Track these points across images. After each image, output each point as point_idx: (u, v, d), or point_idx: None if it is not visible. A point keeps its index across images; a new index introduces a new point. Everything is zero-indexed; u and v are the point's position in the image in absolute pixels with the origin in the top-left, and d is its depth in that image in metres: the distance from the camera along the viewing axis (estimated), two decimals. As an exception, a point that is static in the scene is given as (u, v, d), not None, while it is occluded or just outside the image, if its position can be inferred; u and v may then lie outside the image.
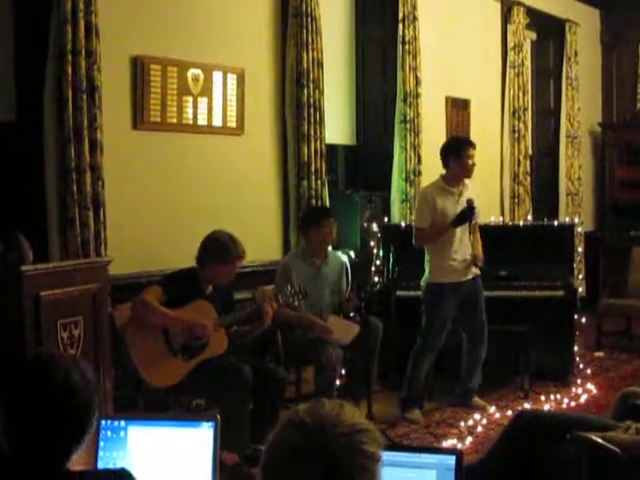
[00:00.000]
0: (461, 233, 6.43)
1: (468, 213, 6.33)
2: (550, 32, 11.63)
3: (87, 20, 5.61)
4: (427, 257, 6.55)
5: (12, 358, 2.20)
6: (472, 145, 6.60)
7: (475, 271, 6.60)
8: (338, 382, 6.36)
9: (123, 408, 5.22)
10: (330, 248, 6.82)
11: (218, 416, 2.37)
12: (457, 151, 6.52)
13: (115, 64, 6.05)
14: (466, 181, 6.61)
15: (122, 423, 2.42)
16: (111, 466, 2.39)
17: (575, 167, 11.55)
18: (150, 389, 5.29)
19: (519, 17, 10.32)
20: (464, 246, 6.47)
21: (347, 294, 6.67)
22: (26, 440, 2.06)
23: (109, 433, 2.41)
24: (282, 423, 1.76)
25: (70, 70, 5.53)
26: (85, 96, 5.61)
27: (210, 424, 2.37)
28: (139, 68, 6.25)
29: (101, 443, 2.41)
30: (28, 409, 2.07)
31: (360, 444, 1.72)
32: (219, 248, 5.54)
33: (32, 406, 2.07)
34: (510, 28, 10.25)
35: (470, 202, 6.35)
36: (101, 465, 2.37)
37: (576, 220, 9.67)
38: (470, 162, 6.49)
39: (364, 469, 1.70)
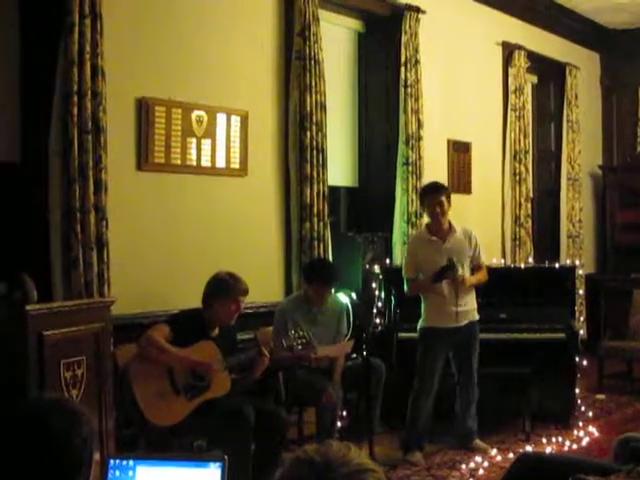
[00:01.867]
0: (452, 281, 6.43)
1: (449, 269, 6.33)
2: (551, 75, 11.73)
3: (93, 62, 5.68)
4: (422, 302, 6.57)
5: (9, 406, 2.15)
6: (436, 192, 6.53)
7: (473, 316, 6.60)
8: (339, 423, 6.35)
9: (125, 448, 5.20)
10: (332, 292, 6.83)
11: (226, 457, 2.37)
12: (422, 199, 6.62)
13: (120, 105, 6.11)
14: (455, 225, 6.61)
15: (130, 463, 2.42)
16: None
17: (576, 209, 11.59)
18: (152, 429, 5.29)
19: (520, 61, 10.41)
20: (456, 290, 6.44)
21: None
22: None
23: (117, 473, 2.41)
24: (290, 461, 1.78)
25: (76, 111, 5.59)
26: (90, 137, 5.66)
27: (217, 464, 2.38)
28: (144, 110, 6.31)
29: (109, 482, 2.42)
30: (16, 463, 2.02)
31: None
32: (221, 286, 5.59)
33: (21, 460, 2.02)
34: (511, 71, 10.34)
35: (450, 260, 6.34)
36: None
37: (577, 262, 9.70)
38: (437, 210, 6.43)
39: None
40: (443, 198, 6.48)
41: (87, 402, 4.71)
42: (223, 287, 5.59)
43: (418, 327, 6.59)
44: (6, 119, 5.67)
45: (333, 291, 6.74)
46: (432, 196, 6.50)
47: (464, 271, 6.45)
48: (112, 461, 2.43)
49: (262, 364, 5.62)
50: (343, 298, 6.86)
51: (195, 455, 3.50)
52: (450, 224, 6.56)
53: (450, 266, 6.33)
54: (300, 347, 5.92)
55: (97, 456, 2.18)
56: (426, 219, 8.08)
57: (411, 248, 6.66)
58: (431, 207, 6.48)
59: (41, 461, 2.02)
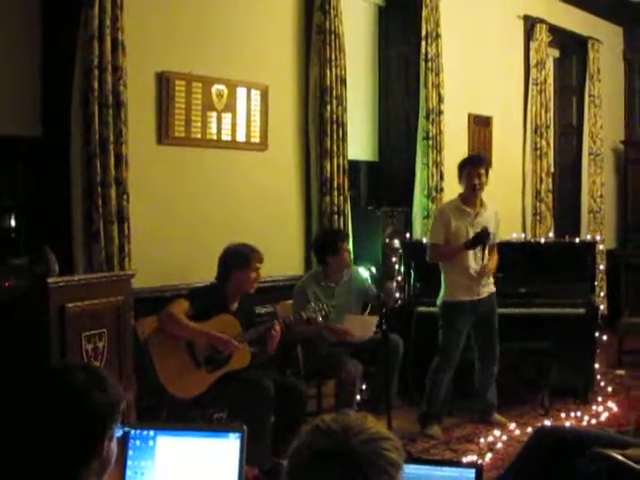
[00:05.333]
0: (475, 253, 6.44)
1: (483, 238, 6.33)
2: (573, 49, 11.65)
3: (114, 36, 5.68)
4: (442, 275, 6.57)
5: (34, 368, 2.16)
6: (476, 164, 6.55)
7: (491, 288, 6.61)
8: (358, 397, 6.38)
9: (146, 420, 5.25)
10: (352, 265, 6.84)
11: (245, 427, 2.40)
12: (461, 170, 6.56)
13: (141, 80, 6.11)
14: (485, 201, 6.61)
15: (151, 433, 2.45)
16: (139, 476, 2.41)
17: (597, 184, 11.54)
18: (173, 401, 5.33)
19: (542, 35, 10.34)
20: (478, 264, 6.46)
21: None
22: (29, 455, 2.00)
23: (138, 442, 2.44)
24: (308, 429, 1.81)
25: (97, 85, 5.60)
26: (111, 111, 5.67)
27: (237, 435, 2.41)
28: (164, 84, 6.31)
29: (130, 452, 2.45)
30: (36, 414, 2.01)
31: (383, 450, 1.78)
32: (237, 256, 5.64)
33: (40, 412, 2.01)
34: (533, 45, 10.27)
35: (485, 229, 6.35)
36: (130, 474, 2.41)
37: (598, 237, 9.67)
38: (475, 181, 6.45)
39: (387, 474, 1.76)
40: (482, 171, 6.49)
41: (108, 374, 4.75)
42: (240, 257, 5.63)
43: (439, 302, 6.59)
44: (28, 94, 5.69)
45: (353, 266, 6.76)
46: (472, 167, 6.50)
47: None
48: (133, 431, 2.47)
49: (273, 339, 5.64)
50: (363, 272, 6.89)
51: (215, 426, 3.54)
52: (481, 199, 6.58)
53: (484, 235, 6.31)
54: (320, 319, 5.97)
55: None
56: (447, 194, 8.10)
57: (443, 214, 6.60)
58: (470, 178, 6.46)
59: (60, 413, 2.01)
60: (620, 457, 3.79)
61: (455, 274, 6.50)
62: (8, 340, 4.60)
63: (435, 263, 6.59)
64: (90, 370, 2.13)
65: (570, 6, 11.13)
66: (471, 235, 6.38)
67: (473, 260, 6.45)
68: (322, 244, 6.67)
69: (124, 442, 2.44)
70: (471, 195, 6.51)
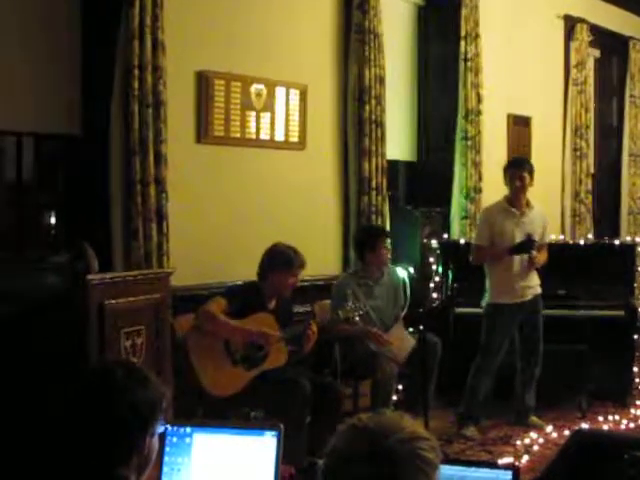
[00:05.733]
0: (521, 258, 6.42)
1: (527, 245, 6.33)
2: (614, 49, 11.56)
3: (154, 36, 5.71)
4: (487, 276, 6.55)
5: (76, 367, 2.18)
6: (519, 167, 6.58)
7: (537, 290, 6.58)
8: (395, 397, 6.38)
9: (183, 417, 5.27)
10: (389, 265, 6.83)
11: (282, 425, 2.41)
12: (505, 172, 6.59)
13: (180, 79, 6.15)
14: (532, 203, 6.60)
15: (188, 430, 2.47)
16: (175, 472, 2.43)
17: (637, 186, 11.46)
18: (210, 398, 5.35)
19: (582, 34, 10.27)
20: (524, 268, 6.44)
21: None
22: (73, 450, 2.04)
23: (175, 439, 2.46)
24: (344, 428, 1.81)
25: (136, 85, 5.63)
26: (151, 110, 5.70)
27: (274, 433, 2.42)
28: (203, 83, 6.34)
29: (167, 449, 2.47)
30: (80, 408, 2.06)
31: (420, 450, 1.78)
32: (280, 257, 5.62)
33: (84, 406, 2.06)
34: (573, 45, 10.21)
35: (530, 236, 6.35)
36: (166, 471, 2.43)
37: (637, 239, 9.57)
38: (518, 183, 6.47)
39: (423, 473, 1.76)
40: (525, 173, 6.51)
41: (146, 371, 4.78)
42: (282, 259, 5.62)
43: (484, 303, 6.58)
44: (68, 93, 5.74)
45: (390, 265, 6.75)
46: (514, 170, 6.53)
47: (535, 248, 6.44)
48: (170, 428, 2.48)
49: (309, 339, 5.64)
50: (401, 272, 6.86)
51: (251, 424, 3.55)
52: (528, 201, 6.57)
53: (529, 242, 6.32)
54: (357, 319, 5.96)
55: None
56: (486, 194, 8.08)
57: (488, 216, 6.62)
58: (512, 181, 6.49)
59: (103, 409, 2.05)
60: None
61: (500, 276, 6.48)
62: (49, 337, 4.65)
63: (477, 265, 6.58)
64: (131, 368, 2.16)
65: (611, 5, 11.05)
66: (517, 235, 6.38)
67: (519, 264, 6.43)
68: (361, 240, 6.67)
69: (162, 439, 2.45)
70: (515, 196, 6.52)
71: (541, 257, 6.56)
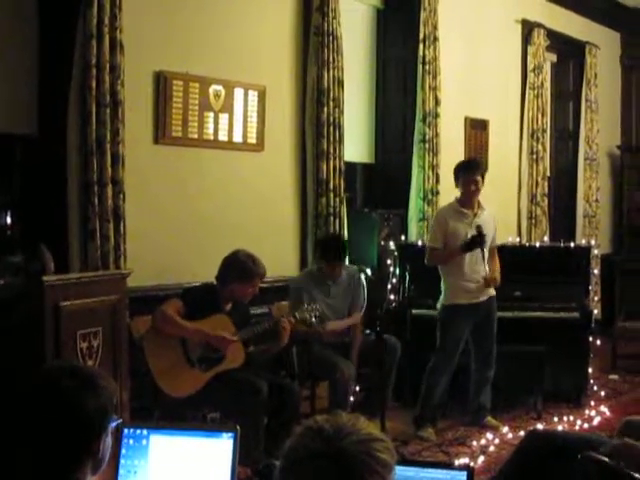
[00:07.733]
0: (473, 255, 6.45)
1: (478, 239, 6.35)
2: (570, 54, 11.66)
3: (112, 36, 5.69)
4: (442, 278, 6.59)
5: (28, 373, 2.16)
6: (473, 170, 6.58)
7: (491, 292, 6.62)
8: (352, 398, 6.39)
9: (139, 419, 5.25)
10: (347, 265, 6.85)
11: (238, 427, 2.41)
12: (457, 174, 6.60)
13: (138, 79, 6.12)
14: (483, 204, 6.63)
15: (144, 432, 2.46)
16: (132, 475, 2.42)
17: (593, 189, 11.56)
18: (167, 400, 5.34)
19: (539, 39, 10.35)
20: (478, 268, 6.47)
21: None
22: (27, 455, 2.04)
23: (131, 441, 2.45)
24: (300, 430, 1.82)
25: (94, 84, 5.60)
26: (108, 110, 5.68)
27: (230, 435, 2.41)
28: (162, 83, 6.32)
29: (123, 451, 2.46)
30: (29, 422, 2.05)
31: (375, 451, 1.79)
32: (240, 267, 5.60)
33: (33, 420, 2.05)
34: (530, 50, 10.29)
35: (479, 228, 6.37)
36: (122, 473, 2.42)
37: (592, 242, 9.69)
38: (472, 187, 6.49)
39: (378, 475, 1.77)
40: (478, 177, 6.53)
41: (102, 373, 4.76)
42: (242, 269, 5.59)
43: (438, 305, 6.61)
44: (24, 92, 5.70)
45: (346, 263, 6.77)
46: (468, 174, 6.53)
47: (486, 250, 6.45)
48: (126, 430, 2.47)
49: (284, 332, 5.64)
50: (356, 270, 6.88)
51: (208, 425, 3.55)
52: (479, 202, 6.61)
53: (480, 236, 6.33)
54: (314, 320, 5.97)
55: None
56: (443, 197, 8.12)
57: (441, 218, 6.64)
58: (466, 185, 6.50)
59: (52, 421, 2.04)
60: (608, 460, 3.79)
61: (454, 277, 6.51)
62: (3, 338, 4.60)
63: (432, 266, 6.61)
64: (79, 373, 2.14)
65: (568, 11, 11.14)
66: (469, 237, 6.40)
67: (472, 264, 6.45)
68: (324, 250, 6.65)
69: (117, 438, 2.45)
70: (467, 199, 6.55)
71: (497, 274, 6.61)
